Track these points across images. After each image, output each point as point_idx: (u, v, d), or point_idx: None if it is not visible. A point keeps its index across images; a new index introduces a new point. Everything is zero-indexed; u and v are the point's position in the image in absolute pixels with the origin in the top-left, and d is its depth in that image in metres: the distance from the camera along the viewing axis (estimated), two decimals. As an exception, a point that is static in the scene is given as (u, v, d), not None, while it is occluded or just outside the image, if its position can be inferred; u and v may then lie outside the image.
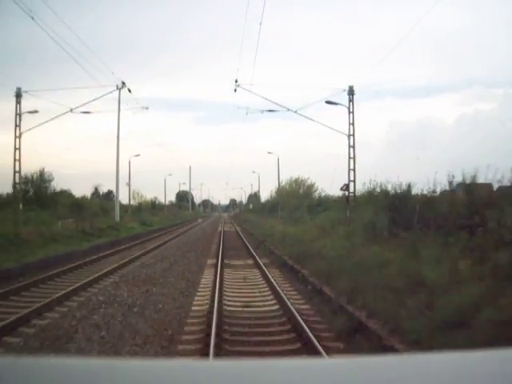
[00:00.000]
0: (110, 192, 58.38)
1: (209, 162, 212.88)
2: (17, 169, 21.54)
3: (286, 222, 29.11)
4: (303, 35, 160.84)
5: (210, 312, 7.64)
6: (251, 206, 73.62)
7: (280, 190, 50.90)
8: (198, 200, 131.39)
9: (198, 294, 9.91)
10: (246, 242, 23.28)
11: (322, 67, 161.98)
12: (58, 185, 32.67)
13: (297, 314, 7.38)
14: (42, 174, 31.23)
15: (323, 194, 36.42)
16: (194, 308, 8.50)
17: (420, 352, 4.48)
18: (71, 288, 10.16)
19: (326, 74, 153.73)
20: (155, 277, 11.74)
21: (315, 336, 6.21)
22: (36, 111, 22.62)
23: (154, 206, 65.87)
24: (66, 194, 37.55)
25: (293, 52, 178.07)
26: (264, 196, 67.28)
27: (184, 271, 13.03)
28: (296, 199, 40.87)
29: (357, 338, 6.26)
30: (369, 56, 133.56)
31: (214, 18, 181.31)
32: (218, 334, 6.34)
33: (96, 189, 58.59)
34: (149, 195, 69.52)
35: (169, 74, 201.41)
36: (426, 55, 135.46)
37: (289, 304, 8.20)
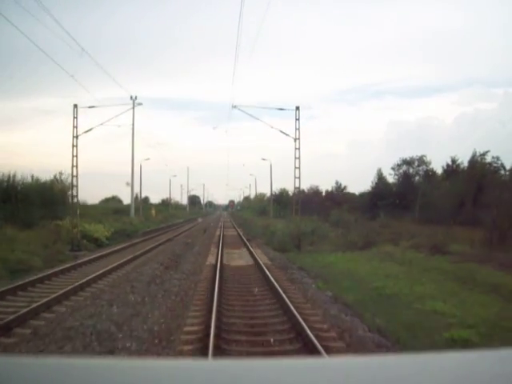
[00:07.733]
0: (146, 198, 73.35)
1: (209, 162, 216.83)
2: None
3: (249, 214, 71.79)
4: (302, 35, 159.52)
5: (221, 217, 63.73)
6: (239, 207, 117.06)
7: (255, 198, 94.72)
8: (202, 201, 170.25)
9: (220, 216, 68.16)
10: (231, 218, 73.22)
11: (320, 67, 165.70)
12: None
13: (235, 224, 55.07)
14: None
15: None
16: (223, 214, 66.05)
17: (420, 352, 6.67)
18: (195, 222, 63.65)
19: (323, 74, 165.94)
20: (214, 216, 69.03)
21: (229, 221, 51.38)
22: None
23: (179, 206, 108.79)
24: (117, 199, 48.96)
25: (291, 52, 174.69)
26: (260, 191, 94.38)
27: (218, 216, 73.23)
28: (259, 203, 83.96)
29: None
30: (368, 56, 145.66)
31: (215, 19, 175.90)
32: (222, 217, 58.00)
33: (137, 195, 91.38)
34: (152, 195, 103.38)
35: (170, 75, 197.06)
36: (426, 55, 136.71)
37: (234, 223, 55.62)
